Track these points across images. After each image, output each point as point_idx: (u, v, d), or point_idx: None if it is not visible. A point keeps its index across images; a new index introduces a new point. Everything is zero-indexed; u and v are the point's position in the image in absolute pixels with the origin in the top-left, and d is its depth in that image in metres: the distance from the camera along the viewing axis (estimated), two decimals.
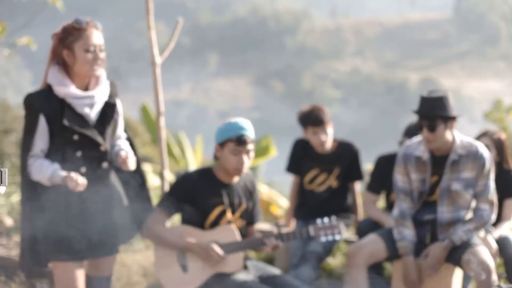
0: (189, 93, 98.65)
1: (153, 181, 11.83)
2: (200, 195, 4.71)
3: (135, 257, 7.15)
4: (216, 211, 4.75)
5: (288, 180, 6.78)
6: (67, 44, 4.06)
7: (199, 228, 4.74)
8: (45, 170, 4.00)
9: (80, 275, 4.16)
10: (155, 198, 8.46)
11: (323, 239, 4.80)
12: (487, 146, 5.36)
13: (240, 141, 4.65)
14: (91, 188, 4.10)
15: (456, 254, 4.87)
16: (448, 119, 4.85)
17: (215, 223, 4.74)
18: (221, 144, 4.70)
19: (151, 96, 5.76)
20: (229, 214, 4.78)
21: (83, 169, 4.10)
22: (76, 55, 4.06)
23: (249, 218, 4.92)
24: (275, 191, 11.95)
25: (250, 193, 4.90)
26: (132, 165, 4.20)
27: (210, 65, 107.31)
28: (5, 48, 8.38)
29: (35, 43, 8.14)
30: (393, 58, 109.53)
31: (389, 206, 6.01)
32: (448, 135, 4.88)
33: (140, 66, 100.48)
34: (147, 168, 12.28)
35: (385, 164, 6.02)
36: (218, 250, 4.63)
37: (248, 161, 4.71)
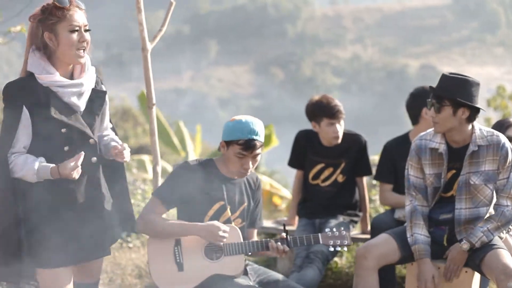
0: (190, 81, 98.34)
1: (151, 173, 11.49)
2: (199, 188, 4.33)
3: (130, 255, 6.80)
4: (215, 207, 4.37)
5: (289, 170, 6.41)
6: (49, 25, 3.66)
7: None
8: (31, 163, 3.62)
9: (70, 282, 3.83)
10: (149, 192, 8.12)
11: (331, 248, 4.42)
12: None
13: (248, 146, 4.26)
14: (81, 185, 3.77)
15: (476, 258, 4.47)
16: (459, 105, 4.45)
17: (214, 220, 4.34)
18: (227, 142, 4.32)
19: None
20: (228, 212, 4.40)
21: None
22: (60, 38, 3.67)
23: (249, 220, 4.54)
24: (276, 182, 11.64)
25: (253, 192, 4.52)
26: (128, 156, 3.87)
27: (210, 53, 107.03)
28: None
29: None
30: (393, 45, 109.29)
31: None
32: (454, 122, 4.48)
33: (141, 55, 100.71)
34: (145, 158, 11.97)
35: (393, 149, 5.74)
36: (222, 225, 4.24)
37: (252, 165, 4.33)
